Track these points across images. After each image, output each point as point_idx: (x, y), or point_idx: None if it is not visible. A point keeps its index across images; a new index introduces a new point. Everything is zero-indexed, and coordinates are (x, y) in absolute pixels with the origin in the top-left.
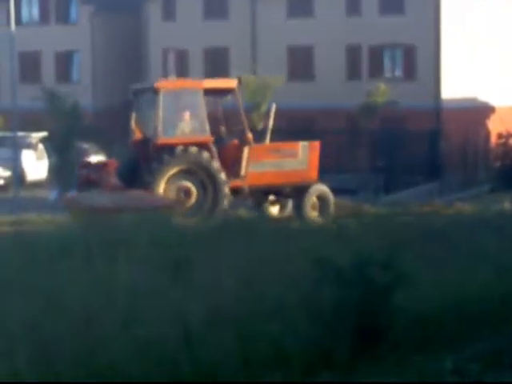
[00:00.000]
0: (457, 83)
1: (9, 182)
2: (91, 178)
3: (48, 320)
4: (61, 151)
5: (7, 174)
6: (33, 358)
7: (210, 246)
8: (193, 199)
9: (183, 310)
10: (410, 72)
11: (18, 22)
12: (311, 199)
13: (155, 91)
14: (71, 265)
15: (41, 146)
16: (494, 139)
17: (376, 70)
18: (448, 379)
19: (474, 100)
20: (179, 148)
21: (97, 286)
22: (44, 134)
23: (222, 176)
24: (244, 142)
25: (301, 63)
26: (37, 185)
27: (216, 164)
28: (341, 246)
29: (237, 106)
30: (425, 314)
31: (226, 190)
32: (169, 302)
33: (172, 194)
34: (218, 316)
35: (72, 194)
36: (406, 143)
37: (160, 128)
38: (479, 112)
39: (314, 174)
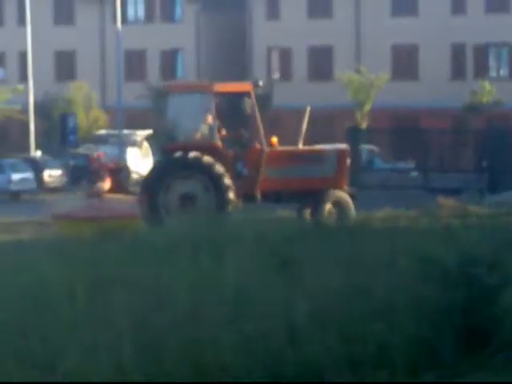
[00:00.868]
0: None
1: None
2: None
3: (155, 316)
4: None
5: None
6: (139, 353)
7: (314, 246)
8: (196, 205)
9: (289, 308)
10: None
11: (124, 20)
12: (326, 206)
13: (164, 93)
14: (179, 262)
15: (146, 144)
16: None
17: (481, 69)
18: None
19: None
20: (178, 153)
21: (203, 282)
22: (149, 131)
23: (226, 181)
24: (265, 146)
25: (405, 62)
26: None
27: (220, 168)
28: (447, 246)
29: (252, 110)
30: None
31: (231, 195)
32: (275, 299)
33: (174, 200)
34: (323, 314)
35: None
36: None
37: (167, 132)
38: None
39: (343, 182)
